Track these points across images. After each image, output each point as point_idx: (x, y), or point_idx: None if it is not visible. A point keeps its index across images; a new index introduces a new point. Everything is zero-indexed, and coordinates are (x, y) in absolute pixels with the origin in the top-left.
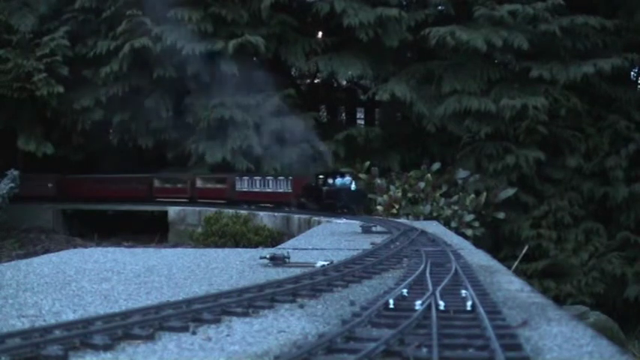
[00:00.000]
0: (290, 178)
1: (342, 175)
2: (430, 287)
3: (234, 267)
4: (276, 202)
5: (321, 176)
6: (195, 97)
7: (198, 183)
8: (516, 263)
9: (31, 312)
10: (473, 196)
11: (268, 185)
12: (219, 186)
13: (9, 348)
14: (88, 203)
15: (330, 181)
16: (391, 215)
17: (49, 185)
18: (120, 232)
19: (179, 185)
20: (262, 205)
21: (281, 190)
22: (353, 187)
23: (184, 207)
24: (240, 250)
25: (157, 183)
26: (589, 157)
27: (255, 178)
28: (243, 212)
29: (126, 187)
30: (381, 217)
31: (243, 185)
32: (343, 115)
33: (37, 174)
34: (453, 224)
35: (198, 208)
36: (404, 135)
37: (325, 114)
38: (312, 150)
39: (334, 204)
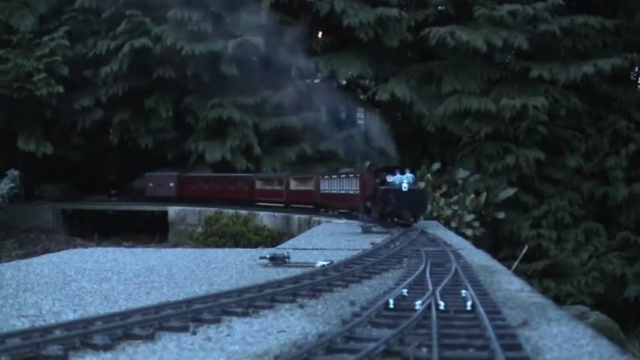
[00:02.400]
0: (358, 175)
1: (403, 171)
2: (430, 287)
3: (234, 267)
4: (347, 206)
5: (383, 172)
6: (195, 97)
7: (292, 184)
8: (516, 263)
9: (31, 312)
10: (473, 196)
11: (342, 185)
12: (308, 188)
13: (9, 348)
14: (194, 204)
15: (390, 178)
16: None
17: (171, 185)
18: (120, 232)
19: (276, 188)
20: (340, 211)
21: (351, 192)
22: (405, 186)
23: (184, 207)
24: (240, 250)
25: (258, 184)
26: (589, 157)
27: (333, 176)
28: (243, 212)
29: (231, 188)
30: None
31: (325, 186)
32: (343, 115)
33: (159, 173)
34: (453, 224)
35: (198, 208)
36: (404, 135)
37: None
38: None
39: (384, 210)
